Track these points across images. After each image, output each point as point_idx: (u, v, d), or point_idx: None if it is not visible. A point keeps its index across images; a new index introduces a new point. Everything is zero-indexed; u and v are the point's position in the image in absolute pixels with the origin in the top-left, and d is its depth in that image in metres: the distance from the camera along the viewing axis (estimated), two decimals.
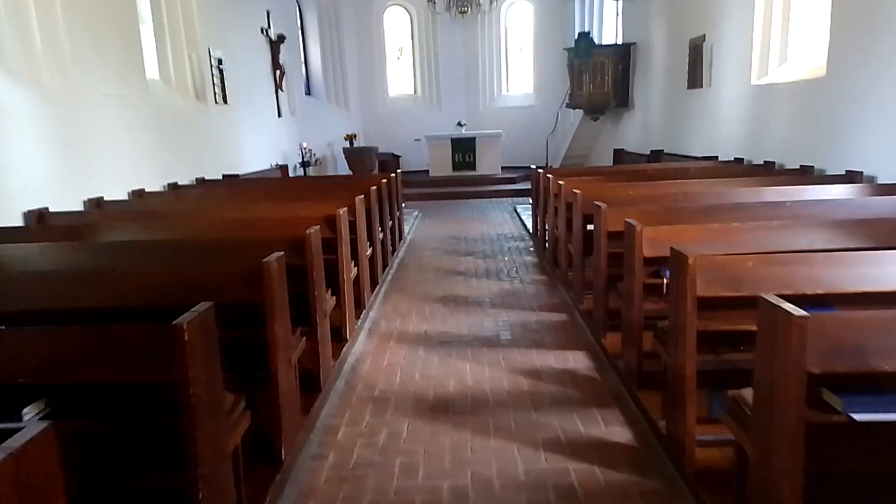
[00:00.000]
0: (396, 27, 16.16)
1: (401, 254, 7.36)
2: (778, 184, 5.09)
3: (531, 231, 8.36)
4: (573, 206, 4.91)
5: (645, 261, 3.16)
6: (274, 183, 7.45)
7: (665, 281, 3.17)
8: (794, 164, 6.33)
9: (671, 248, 2.54)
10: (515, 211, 10.57)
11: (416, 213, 10.74)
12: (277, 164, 10.47)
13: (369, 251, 5.23)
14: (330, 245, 3.97)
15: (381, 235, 5.92)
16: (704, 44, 8.46)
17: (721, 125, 8.13)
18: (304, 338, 3.02)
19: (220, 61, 8.32)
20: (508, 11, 15.96)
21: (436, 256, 7.24)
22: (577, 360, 3.88)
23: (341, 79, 14.93)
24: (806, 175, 5.83)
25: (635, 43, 11.77)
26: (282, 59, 11.11)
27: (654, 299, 3.29)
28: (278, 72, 11.04)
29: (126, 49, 6.09)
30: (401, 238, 7.89)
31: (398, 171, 8.05)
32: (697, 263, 2.38)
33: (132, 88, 6.16)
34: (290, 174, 11.31)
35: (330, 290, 3.76)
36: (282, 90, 11.21)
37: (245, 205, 4.95)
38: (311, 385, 3.32)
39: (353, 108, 15.37)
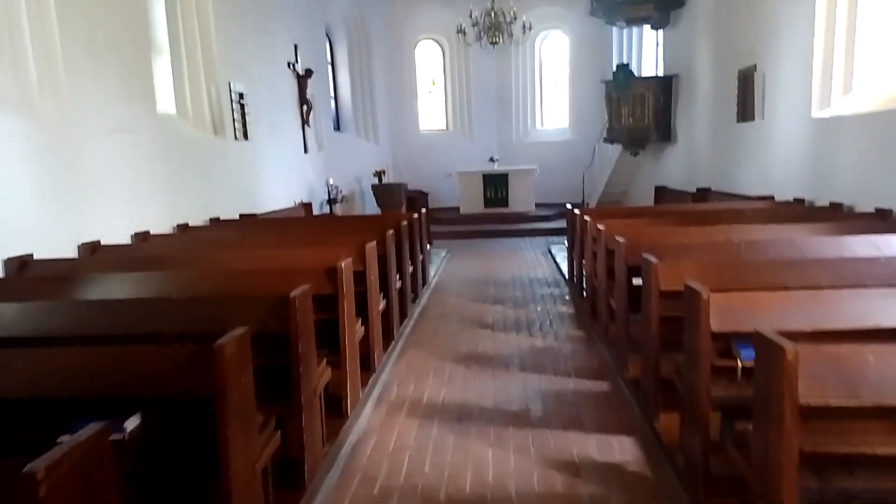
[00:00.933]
0: (428, 60, 15.88)
1: (423, 300, 6.76)
2: (857, 230, 4.36)
3: (566, 276, 7.69)
4: (615, 255, 4.26)
5: (713, 335, 2.50)
6: (291, 223, 6.99)
7: (740, 364, 2.49)
8: (866, 207, 5.56)
9: (757, 334, 1.88)
10: (549, 251, 9.92)
11: (445, 252, 10.19)
12: (301, 202, 10.07)
13: (382, 304, 4.65)
14: (330, 302, 3.41)
15: (398, 284, 5.35)
16: (756, 73, 7.78)
17: (776, 162, 7.38)
18: (281, 431, 2.43)
19: (241, 95, 8.00)
20: (543, 43, 15.53)
21: (462, 304, 6.62)
22: (624, 449, 3.19)
23: (371, 112, 14.64)
24: (885, 220, 5.07)
25: (677, 74, 11.14)
26: (309, 93, 10.82)
27: (724, 383, 2.61)
28: (305, 106, 10.74)
29: (136, 79, 5.75)
30: (424, 283, 7.31)
31: (423, 210, 7.53)
32: (801, 359, 1.71)
33: (141, 121, 5.79)
34: (316, 211, 10.93)
35: (326, 359, 3.17)
36: (308, 125, 10.90)
37: (248, 252, 4.44)
38: (294, 480, 2.71)
39: (383, 142, 15.03)
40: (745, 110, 8.16)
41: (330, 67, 13.61)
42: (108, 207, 5.20)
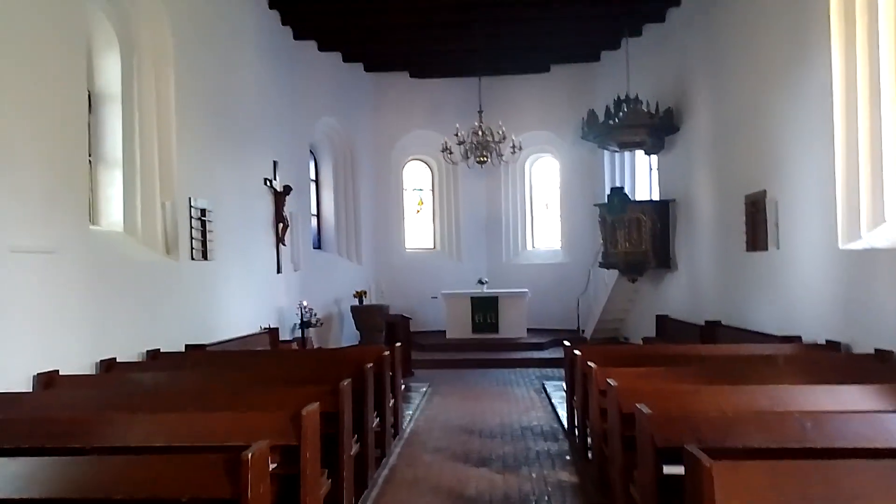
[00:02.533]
0: (416, 179, 15.53)
1: (392, 459, 5.56)
2: None
3: (565, 425, 6.55)
4: (637, 429, 3.24)
5: None
6: (236, 362, 5.93)
7: None
8: None
9: None
10: (544, 389, 8.81)
11: (426, 387, 9.04)
12: (267, 327, 9.03)
13: (327, 486, 3.52)
14: None
15: (355, 449, 4.23)
16: (766, 199, 7.15)
17: (799, 297, 6.53)
18: None
19: (203, 212, 7.25)
20: (533, 166, 15.28)
21: (438, 464, 5.43)
22: None
23: (355, 231, 14.00)
24: None
25: (674, 199, 10.63)
26: (287, 210, 10.17)
27: None
28: (281, 224, 10.04)
29: (65, 192, 4.94)
30: (396, 434, 6.13)
31: (398, 343, 6.54)
32: None
33: (67, 240, 4.92)
34: (287, 336, 9.92)
35: None
36: (283, 244, 10.15)
37: (155, 417, 3.37)
38: None
39: (367, 262, 14.25)
40: (756, 239, 7.45)
41: (314, 185, 13.14)
42: (7, 341, 4.22)
